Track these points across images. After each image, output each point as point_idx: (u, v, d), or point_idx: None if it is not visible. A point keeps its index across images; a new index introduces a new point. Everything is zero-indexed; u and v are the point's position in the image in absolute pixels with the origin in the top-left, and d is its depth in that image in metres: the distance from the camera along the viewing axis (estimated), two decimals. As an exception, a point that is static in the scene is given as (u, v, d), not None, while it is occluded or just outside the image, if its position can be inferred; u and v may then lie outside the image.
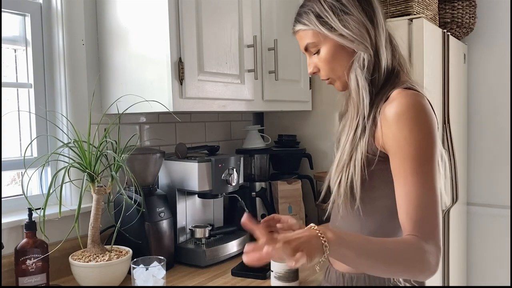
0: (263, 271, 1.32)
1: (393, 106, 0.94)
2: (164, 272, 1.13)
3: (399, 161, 0.93)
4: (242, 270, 1.35)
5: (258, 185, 1.88)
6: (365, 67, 1.01)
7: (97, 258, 1.21)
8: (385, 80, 1.03)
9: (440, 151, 0.98)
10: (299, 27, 1.08)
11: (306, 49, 1.09)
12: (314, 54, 1.08)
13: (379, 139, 0.97)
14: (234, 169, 1.55)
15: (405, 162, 0.91)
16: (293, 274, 1.20)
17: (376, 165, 0.98)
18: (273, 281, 1.22)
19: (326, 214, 1.18)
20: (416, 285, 1.06)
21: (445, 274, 2.22)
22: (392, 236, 0.99)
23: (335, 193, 1.04)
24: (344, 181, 1.01)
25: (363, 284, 1.05)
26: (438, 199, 0.92)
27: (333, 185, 1.04)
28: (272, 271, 1.22)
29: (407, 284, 1.06)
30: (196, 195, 1.57)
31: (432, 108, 0.98)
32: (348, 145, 1.01)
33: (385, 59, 1.04)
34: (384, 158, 0.97)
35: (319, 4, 1.03)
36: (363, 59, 1.01)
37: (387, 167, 0.96)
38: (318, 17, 1.03)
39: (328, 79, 1.10)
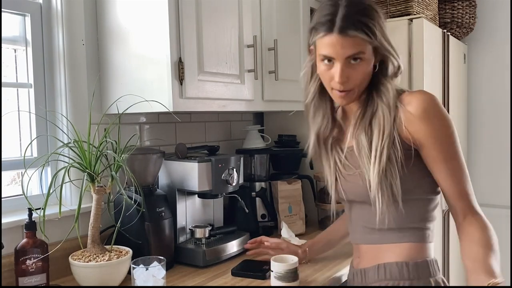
0: (263, 271, 1.32)
1: (416, 105, 1.03)
2: (164, 272, 1.13)
3: (438, 150, 1.03)
4: (242, 270, 1.35)
5: (258, 185, 1.88)
6: (397, 78, 1.11)
7: (97, 258, 1.21)
8: None
9: None
10: (356, 33, 1.00)
11: (349, 56, 1.02)
12: (351, 63, 1.03)
13: (407, 137, 1.04)
14: (234, 169, 1.55)
15: (444, 149, 1.03)
16: (293, 274, 1.21)
17: (410, 158, 1.05)
18: (273, 281, 1.22)
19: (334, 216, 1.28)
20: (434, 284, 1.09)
21: (445, 274, 2.22)
22: (423, 218, 1.11)
23: (379, 202, 1.04)
24: (386, 188, 1.04)
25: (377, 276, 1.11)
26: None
27: (376, 196, 1.05)
28: (272, 271, 1.22)
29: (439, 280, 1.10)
30: (196, 195, 1.57)
31: None
32: (385, 150, 1.04)
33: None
34: (415, 153, 1.05)
35: (378, 17, 1.04)
36: (397, 71, 1.10)
37: (415, 160, 1.05)
38: (381, 30, 1.04)
39: (350, 91, 1.07)
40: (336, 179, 1.16)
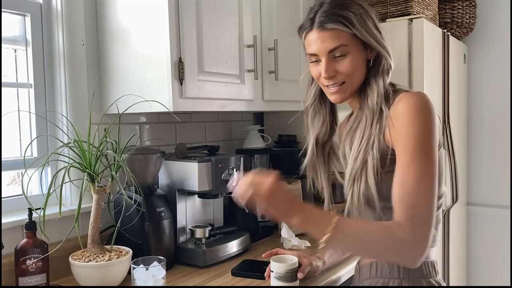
0: (263, 271, 1.31)
1: (402, 105, 0.99)
2: (164, 272, 1.13)
3: (399, 152, 0.97)
4: (242, 270, 1.35)
5: (258, 185, 1.87)
6: (389, 77, 1.07)
7: (97, 258, 1.21)
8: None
9: (440, 150, 1.02)
10: (334, 25, 1.02)
11: (330, 51, 1.03)
12: (336, 57, 1.04)
13: (388, 139, 1.00)
14: (234, 169, 1.55)
15: (404, 152, 0.96)
16: (293, 274, 1.20)
17: (390, 165, 1.00)
18: (273, 281, 1.22)
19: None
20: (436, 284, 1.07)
21: (445, 274, 2.22)
22: None
23: (349, 202, 1.05)
24: (357, 189, 1.02)
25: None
26: (434, 191, 0.95)
27: (347, 195, 1.05)
28: (272, 271, 1.22)
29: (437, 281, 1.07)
30: (196, 195, 1.57)
31: None
32: (361, 153, 1.02)
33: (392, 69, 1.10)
34: (395, 158, 1.00)
35: (359, 9, 1.03)
36: (387, 70, 1.07)
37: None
38: (362, 22, 1.03)
39: (340, 84, 1.07)
40: (333, 185, 1.16)
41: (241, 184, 0.95)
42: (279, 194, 0.93)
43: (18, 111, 1.42)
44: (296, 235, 1.65)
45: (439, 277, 1.09)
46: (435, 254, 1.11)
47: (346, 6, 1.04)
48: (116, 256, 1.23)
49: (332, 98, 1.11)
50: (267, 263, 1.31)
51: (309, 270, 1.23)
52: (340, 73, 1.05)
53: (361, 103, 1.09)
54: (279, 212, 0.95)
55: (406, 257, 0.93)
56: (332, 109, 1.18)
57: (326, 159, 1.18)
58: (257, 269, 1.34)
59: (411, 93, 1.02)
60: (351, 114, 1.19)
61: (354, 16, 1.02)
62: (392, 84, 1.10)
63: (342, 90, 1.08)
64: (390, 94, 1.05)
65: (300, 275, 1.19)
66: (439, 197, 1.06)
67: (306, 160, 1.21)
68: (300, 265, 1.22)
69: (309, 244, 1.60)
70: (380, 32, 1.07)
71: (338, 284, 1.35)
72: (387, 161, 1.00)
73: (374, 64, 1.07)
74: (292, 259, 1.23)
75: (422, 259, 0.93)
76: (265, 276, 1.26)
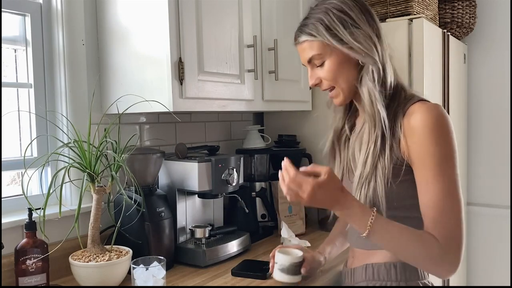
0: (263, 271, 1.31)
1: (420, 120, 0.96)
2: (164, 272, 1.13)
3: (423, 170, 0.96)
4: (242, 270, 1.35)
5: (258, 185, 1.88)
6: (376, 81, 1.03)
7: (97, 258, 1.21)
8: (393, 94, 1.05)
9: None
10: (304, 37, 1.07)
11: (309, 61, 1.08)
12: (318, 66, 1.08)
13: (404, 151, 0.99)
14: (234, 169, 1.55)
15: (428, 170, 0.95)
16: (297, 268, 1.19)
17: (405, 175, 1.00)
18: (276, 273, 1.21)
19: (330, 218, 1.22)
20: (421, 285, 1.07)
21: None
22: None
23: None
24: (364, 194, 1.02)
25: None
26: (461, 207, 0.96)
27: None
28: (276, 263, 1.21)
29: (426, 283, 1.08)
30: (196, 195, 1.57)
31: None
32: (370, 158, 1.02)
33: (391, 74, 1.06)
34: (411, 169, 1.00)
35: (328, 16, 1.04)
36: (373, 73, 1.03)
37: (413, 177, 0.99)
38: (328, 29, 1.03)
39: (330, 90, 1.10)
40: (342, 180, 1.16)
41: (282, 186, 0.98)
42: (320, 193, 0.93)
43: (18, 111, 1.42)
44: (296, 235, 1.65)
45: (429, 278, 1.10)
46: None
47: (316, 15, 1.06)
48: (116, 256, 1.23)
49: (333, 101, 1.13)
50: (267, 263, 1.31)
51: (312, 266, 1.23)
52: (324, 79, 1.08)
53: (362, 107, 1.09)
54: (322, 206, 0.97)
55: (440, 273, 0.97)
56: (347, 107, 1.20)
57: (341, 151, 1.20)
58: (257, 269, 1.34)
59: (428, 106, 0.99)
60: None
61: (321, 24, 1.03)
62: (403, 89, 1.07)
63: (335, 95, 1.10)
64: (387, 102, 1.03)
65: (303, 271, 1.19)
66: None
67: (325, 150, 1.24)
68: (303, 260, 1.21)
69: (309, 244, 1.60)
70: (378, 38, 1.04)
71: (338, 284, 1.35)
72: (401, 171, 0.99)
73: (362, 66, 1.06)
74: (298, 253, 1.23)
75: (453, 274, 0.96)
76: (269, 266, 1.26)
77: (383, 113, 1.01)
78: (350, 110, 1.20)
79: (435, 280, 2.04)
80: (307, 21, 1.07)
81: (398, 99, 1.04)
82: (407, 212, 1.02)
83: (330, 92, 1.11)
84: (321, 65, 1.07)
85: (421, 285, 1.06)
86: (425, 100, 1.02)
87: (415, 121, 0.97)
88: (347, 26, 1.03)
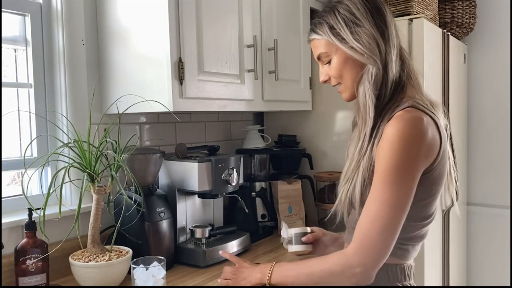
0: None
1: (390, 127, 0.97)
2: (164, 272, 1.13)
3: (374, 177, 0.98)
4: None
5: (258, 185, 1.88)
6: (373, 81, 1.03)
7: (97, 258, 1.21)
8: (391, 95, 1.05)
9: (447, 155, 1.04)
10: (313, 36, 1.11)
11: (319, 58, 1.12)
12: (326, 63, 1.11)
13: (374, 154, 1.01)
14: (234, 169, 1.55)
15: (376, 177, 0.98)
16: (298, 238, 1.29)
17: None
18: (286, 246, 1.32)
19: (328, 216, 1.26)
20: (415, 285, 1.07)
21: (445, 274, 2.22)
22: (405, 238, 1.04)
23: (338, 200, 1.08)
24: (346, 190, 1.05)
25: None
26: (394, 221, 0.96)
27: (339, 193, 1.08)
28: (284, 238, 1.33)
29: (407, 284, 1.06)
30: (196, 195, 1.57)
31: (438, 127, 1.01)
32: (356, 155, 1.05)
33: (393, 73, 1.05)
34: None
35: (333, 16, 1.06)
36: (371, 73, 1.04)
37: None
38: (331, 28, 1.06)
39: (339, 87, 1.13)
40: (333, 184, 1.19)
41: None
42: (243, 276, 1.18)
43: (18, 111, 1.42)
44: (296, 235, 1.65)
45: (411, 281, 1.10)
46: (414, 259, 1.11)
47: (323, 14, 1.09)
48: (116, 256, 1.23)
49: (342, 96, 1.16)
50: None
51: (321, 240, 1.31)
52: (332, 76, 1.12)
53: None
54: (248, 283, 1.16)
55: (350, 279, 0.98)
56: None
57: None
58: None
59: (404, 116, 0.97)
60: None
61: (326, 23, 1.07)
62: (403, 90, 1.06)
63: (342, 91, 1.13)
64: (383, 103, 1.03)
65: (304, 239, 1.27)
66: (428, 217, 1.06)
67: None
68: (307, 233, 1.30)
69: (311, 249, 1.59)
70: (383, 38, 1.04)
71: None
72: (373, 173, 1.01)
73: (365, 70, 1.05)
74: (301, 227, 1.33)
75: (372, 277, 0.97)
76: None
77: (372, 114, 1.02)
78: None
79: (435, 280, 2.05)
80: (316, 20, 1.11)
81: (394, 101, 1.04)
82: None
83: (338, 88, 1.14)
84: (329, 62, 1.11)
85: (399, 286, 1.06)
86: (414, 108, 1.00)
87: (387, 127, 0.98)
88: (349, 26, 1.04)
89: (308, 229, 1.30)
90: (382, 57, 1.04)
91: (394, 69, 1.05)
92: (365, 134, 1.03)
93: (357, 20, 1.04)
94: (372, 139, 1.02)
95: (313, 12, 1.98)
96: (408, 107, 1.00)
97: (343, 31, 1.04)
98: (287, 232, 1.31)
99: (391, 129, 0.97)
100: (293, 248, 1.29)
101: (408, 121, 0.96)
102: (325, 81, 1.14)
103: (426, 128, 0.97)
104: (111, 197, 1.34)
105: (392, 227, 0.95)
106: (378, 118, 1.02)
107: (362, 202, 1.01)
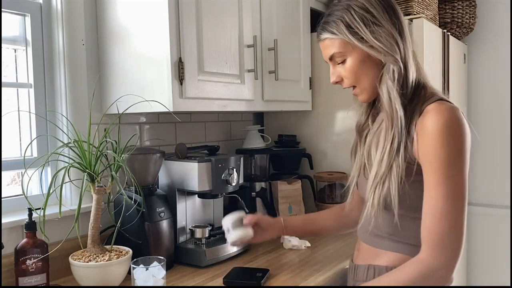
0: (257, 279, 1.27)
1: (432, 121, 0.95)
2: (164, 272, 1.13)
3: (429, 173, 0.96)
4: (235, 279, 1.29)
5: (258, 185, 1.88)
6: (395, 80, 1.02)
7: (97, 258, 1.21)
8: (413, 93, 1.04)
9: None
10: (326, 35, 1.06)
11: (331, 58, 1.08)
12: (339, 63, 1.07)
13: (415, 150, 0.99)
14: (234, 169, 1.55)
15: (433, 175, 0.95)
16: (240, 224, 1.27)
17: (416, 175, 0.99)
18: (228, 238, 1.28)
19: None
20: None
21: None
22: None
23: (369, 205, 1.04)
24: (379, 194, 1.01)
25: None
26: (462, 212, 0.95)
27: (369, 198, 1.04)
28: (225, 231, 1.29)
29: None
30: (196, 195, 1.57)
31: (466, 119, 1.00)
32: (385, 157, 1.01)
33: (413, 71, 1.05)
34: (421, 170, 0.99)
35: (349, 14, 1.03)
36: (393, 72, 1.02)
37: (418, 178, 0.99)
38: (349, 27, 1.02)
39: (354, 88, 1.10)
40: (358, 175, 1.16)
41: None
42: None
43: (18, 111, 1.42)
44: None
45: None
46: None
47: (337, 12, 1.04)
48: (116, 256, 1.23)
49: (358, 98, 1.13)
50: (260, 269, 1.31)
51: (258, 224, 1.28)
52: (345, 77, 1.08)
53: (381, 105, 1.08)
54: None
55: (438, 282, 0.96)
56: (371, 103, 1.17)
57: (361, 146, 1.18)
58: (250, 276, 1.30)
59: (442, 108, 0.97)
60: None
61: (342, 22, 1.02)
62: (424, 87, 1.06)
63: (357, 92, 1.10)
64: (406, 101, 1.02)
65: (245, 221, 1.26)
66: None
67: (353, 143, 1.23)
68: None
69: (309, 244, 1.60)
70: (400, 37, 1.03)
71: (338, 284, 1.35)
72: (413, 171, 0.99)
73: (384, 65, 1.04)
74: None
75: (451, 277, 0.98)
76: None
77: (401, 113, 1.00)
78: (374, 105, 1.17)
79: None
80: (329, 18, 1.06)
81: (417, 98, 1.03)
82: (415, 213, 1.01)
83: (353, 89, 1.10)
84: (343, 62, 1.06)
85: None
86: (444, 100, 1.00)
87: (427, 121, 0.96)
88: (368, 24, 1.02)
89: (243, 213, 1.28)
90: (401, 56, 1.03)
91: (413, 68, 1.05)
92: (393, 135, 1.00)
93: (374, 18, 1.02)
94: (404, 138, 1.00)
95: (313, 12, 1.98)
96: (438, 100, 0.99)
97: (362, 30, 1.01)
98: (224, 222, 1.27)
99: (432, 122, 0.95)
100: (234, 234, 1.24)
101: (448, 112, 0.96)
102: (337, 82, 1.10)
103: (463, 116, 0.98)
104: (111, 197, 1.34)
105: (460, 219, 0.94)
106: (405, 118, 1.00)
107: (400, 204, 0.99)
